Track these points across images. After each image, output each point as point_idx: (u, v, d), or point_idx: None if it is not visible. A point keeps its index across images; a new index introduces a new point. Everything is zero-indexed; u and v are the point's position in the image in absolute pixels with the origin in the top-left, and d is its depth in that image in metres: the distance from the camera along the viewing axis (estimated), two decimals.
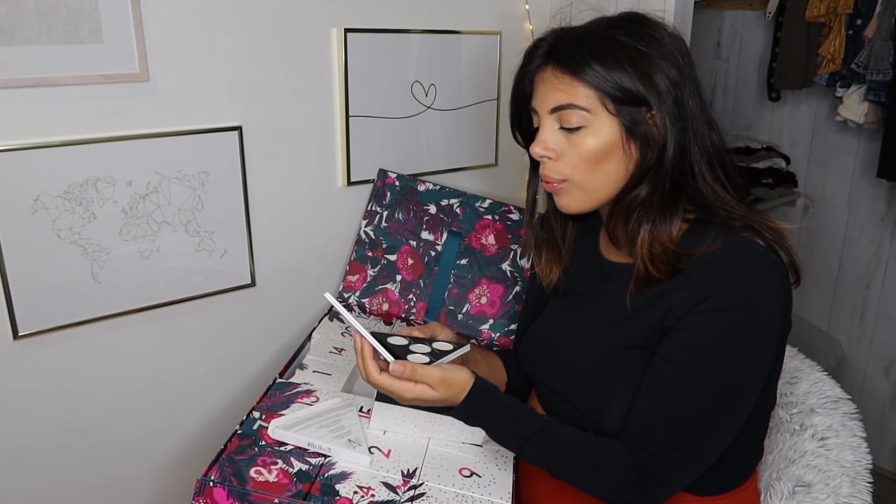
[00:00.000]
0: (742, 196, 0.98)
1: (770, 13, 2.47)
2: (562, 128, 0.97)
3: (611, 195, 0.99)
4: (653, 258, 0.93)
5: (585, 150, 0.95)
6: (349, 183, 1.51)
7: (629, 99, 0.92)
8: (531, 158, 1.06)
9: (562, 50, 0.96)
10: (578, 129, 0.95)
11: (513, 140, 1.75)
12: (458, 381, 0.96)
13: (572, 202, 1.01)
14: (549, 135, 0.98)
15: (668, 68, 0.92)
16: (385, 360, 0.98)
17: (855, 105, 2.28)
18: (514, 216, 1.53)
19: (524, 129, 1.08)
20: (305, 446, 0.98)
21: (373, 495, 0.91)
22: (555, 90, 0.96)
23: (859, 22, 2.22)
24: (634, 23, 0.96)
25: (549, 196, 1.08)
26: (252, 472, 0.92)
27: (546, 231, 1.15)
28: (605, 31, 0.96)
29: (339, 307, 0.98)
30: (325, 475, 0.93)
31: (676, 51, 0.94)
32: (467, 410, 0.97)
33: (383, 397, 1.05)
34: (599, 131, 0.94)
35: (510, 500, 0.95)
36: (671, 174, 0.93)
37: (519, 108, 1.07)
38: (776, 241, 0.93)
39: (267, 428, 1.01)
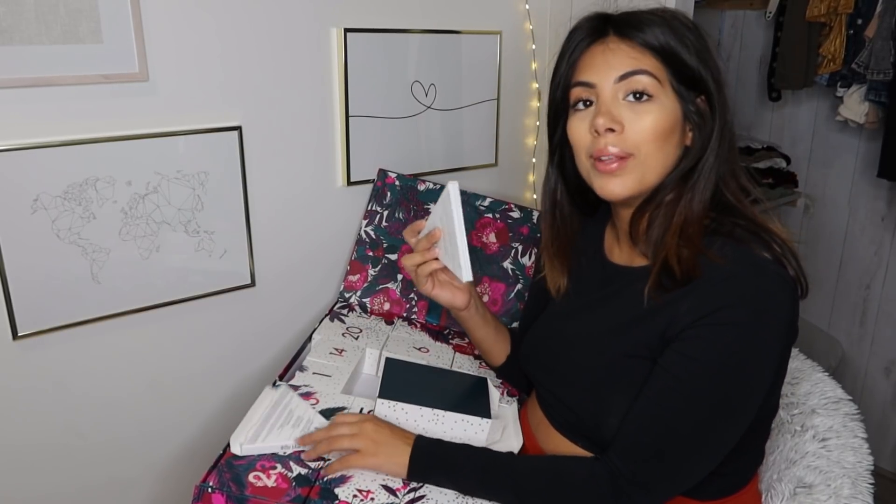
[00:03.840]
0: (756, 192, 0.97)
1: (770, 13, 2.47)
2: (626, 99, 0.92)
3: (659, 182, 0.95)
4: (680, 260, 0.91)
5: (650, 124, 0.91)
6: (349, 183, 1.51)
7: (689, 79, 0.92)
8: (552, 151, 1.04)
9: (627, 22, 0.94)
10: (646, 100, 0.91)
11: (513, 140, 1.76)
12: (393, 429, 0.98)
13: (626, 185, 0.94)
14: (613, 106, 0.92)
15: (717, 58, 0.93)
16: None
17: (855, 105, 2.28)
18: (515, 214, 1.53)
19: (559, 117, 1.02)
20: (279, 451, 0.97)
21: (372, 498, 0.91)
22: (625, 57, 0.92)
23: (860, 22, 2.22)
24: (684, 16, 0.95)
25: (566, 188, 1.06)
26: (251, 478, 0.91)
27: (560, 237, 1.12)
28: (663, 14, 0.94)
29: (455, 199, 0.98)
30: (325, 479, 0.93)
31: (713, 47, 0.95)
32: (421, 456, 0.96)
33: (386, 396, 1.06)
34: (665, 106, 0.92)
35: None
36: (717, 168, 0.93)
37: (564, 88, 0.99)
38: (784, 254, 0.91)
39: None
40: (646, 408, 0.92)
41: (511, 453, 0.99)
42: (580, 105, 0.97)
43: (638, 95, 0.92)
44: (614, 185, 0.94)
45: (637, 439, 0.91)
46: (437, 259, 1.09)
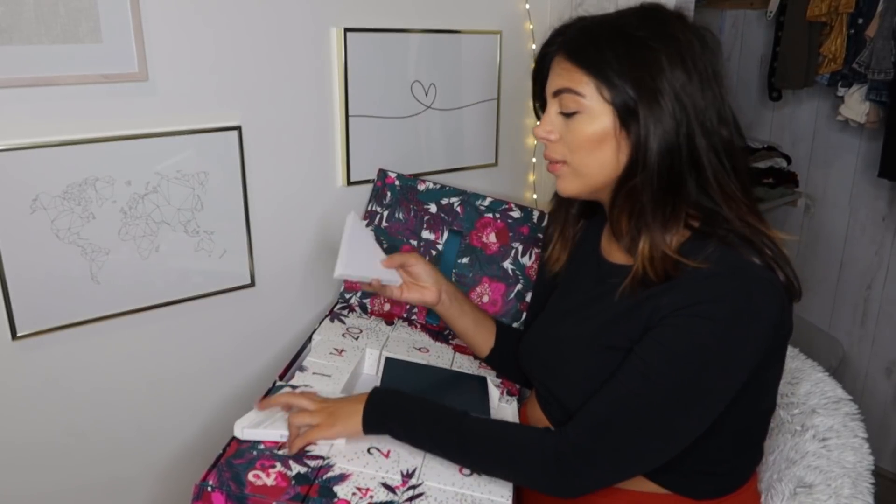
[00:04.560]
0: (749, 196, 0.97)
1: (771, 12, 2.47)
2: (561, 113, 1.00)
3: (604, 183, 1.00)
4: (652, 261, 0.94)
5: (580, 135, 0.98)
6: (349, 183, 1.51)
7: (622, 90, 0.94)
8: None
9: (570, 38, 1.00)
10: (575, 114, 0.98)
11: (513, 140, 1.76)
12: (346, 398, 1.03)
13: (567, 185, 1.04)
14: (550, 118, 1.02)
15: (673, 66, 0.92)
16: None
17: (856, 104, 2.28)
18: (515, 214, 1.52)
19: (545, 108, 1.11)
20: (279, 440, 0.98)
21: (371, 496, 0.90)
22: (557, 76, 1.00)
23: (861, 21, 2.22)
24: (649, 15, 0.98)
25: None
26: (250, 476, 0.91)
27: (563, 217, 1.19)
28: (616, 21, 0.98)
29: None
30: (324, 477, 0.93)
31: (688, 45, 0.94)
32: (374, 409, 0.99)
33: None
34: (594, 118, 0.96)
35: (510, 499, 0.95)
36: (659, 171, 0.93)
37: (539, 87, 1.09)
38: (775, 258, 0.92)
39: None
40: (608, 384, 0.94)
41: (465, 411, 1.01)
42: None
43: (567, 112, 0.99)
44: (560, 185, 1.06)
45: (591, 410, 0.94)
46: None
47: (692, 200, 0.95)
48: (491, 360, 1.28)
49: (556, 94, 1.00)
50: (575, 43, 0.98)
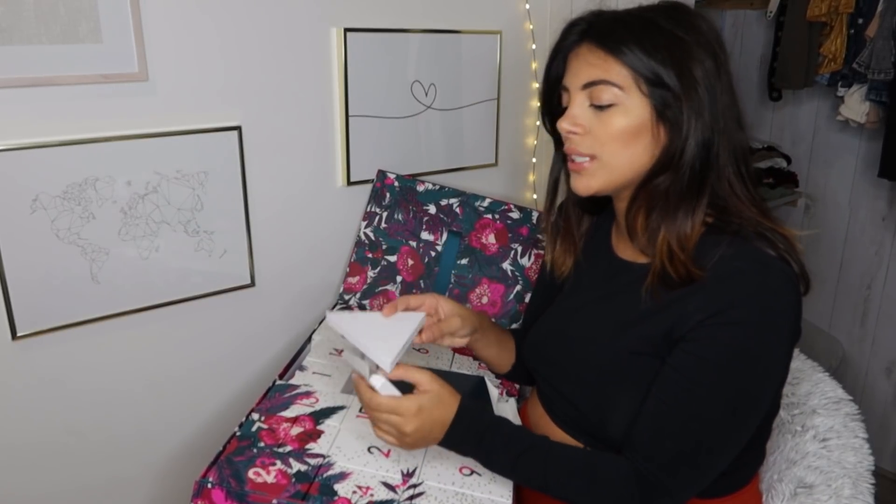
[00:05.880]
0: (757, 196, 0.97)
1: (771, 12, 2.47)
2: (592, 105, 0.95)
3: (632, 179, 0.97)
4: (671, 256, 0.92)
5: (614, 129, 0.94)
6: (349, 183, 1.51)
7: (662, 82, 0.91)
8: (556, 141, 1.05)
9: (600, 27, 0.96)
10: (609, 106, 0.93)
11: (513, 140, 1.76)
12: (440, 404, 0.94)
13: (592, 182, 0.98)
14: (578, 111, 0.96)
15: (705, 58, 0.91)
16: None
17: (856, 105, 2.28)
18: (515, 215, 1.52)
19: (553, 110, 1.06)
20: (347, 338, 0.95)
21: (371, 495, 0.91)
22: (589, 66, 0.95)
23: (861, 21, 2.22)
24: (675, 10, 0.96)
25: (568, 183, 1.07)
26: (251, 474, 0.91)
27: (564, 220, 1.16)
28: (646, 14, 0.95)
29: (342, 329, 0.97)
30: (324, 475, 0.93)
31: (714, 42, 0.94)
32: (456, 434, 0.95)
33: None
34: (630, 111, 0.93)
35: (510, 498, 0.95)
36: (693, 165, 0.92)
37: (550, 88, 1.05)
38: (787, 251, 0.92)
39: (266, 429, 1.01)
40: (665, 411, 0.92)
41: (545, 438, 0.98)
42: (565, 103, 1.00)
43: (600, 105, 0.94)
44: (579, 183, 1.00)
45: (657, 443, 0.92)
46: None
47: (710, 196, 0.94)
48: (510, 376, 1.26)
49: (587, 85, 0.94)
50: (606, 31, 0.94)
